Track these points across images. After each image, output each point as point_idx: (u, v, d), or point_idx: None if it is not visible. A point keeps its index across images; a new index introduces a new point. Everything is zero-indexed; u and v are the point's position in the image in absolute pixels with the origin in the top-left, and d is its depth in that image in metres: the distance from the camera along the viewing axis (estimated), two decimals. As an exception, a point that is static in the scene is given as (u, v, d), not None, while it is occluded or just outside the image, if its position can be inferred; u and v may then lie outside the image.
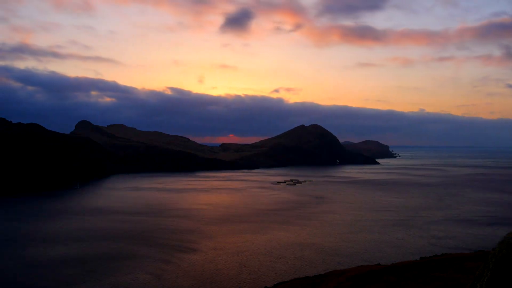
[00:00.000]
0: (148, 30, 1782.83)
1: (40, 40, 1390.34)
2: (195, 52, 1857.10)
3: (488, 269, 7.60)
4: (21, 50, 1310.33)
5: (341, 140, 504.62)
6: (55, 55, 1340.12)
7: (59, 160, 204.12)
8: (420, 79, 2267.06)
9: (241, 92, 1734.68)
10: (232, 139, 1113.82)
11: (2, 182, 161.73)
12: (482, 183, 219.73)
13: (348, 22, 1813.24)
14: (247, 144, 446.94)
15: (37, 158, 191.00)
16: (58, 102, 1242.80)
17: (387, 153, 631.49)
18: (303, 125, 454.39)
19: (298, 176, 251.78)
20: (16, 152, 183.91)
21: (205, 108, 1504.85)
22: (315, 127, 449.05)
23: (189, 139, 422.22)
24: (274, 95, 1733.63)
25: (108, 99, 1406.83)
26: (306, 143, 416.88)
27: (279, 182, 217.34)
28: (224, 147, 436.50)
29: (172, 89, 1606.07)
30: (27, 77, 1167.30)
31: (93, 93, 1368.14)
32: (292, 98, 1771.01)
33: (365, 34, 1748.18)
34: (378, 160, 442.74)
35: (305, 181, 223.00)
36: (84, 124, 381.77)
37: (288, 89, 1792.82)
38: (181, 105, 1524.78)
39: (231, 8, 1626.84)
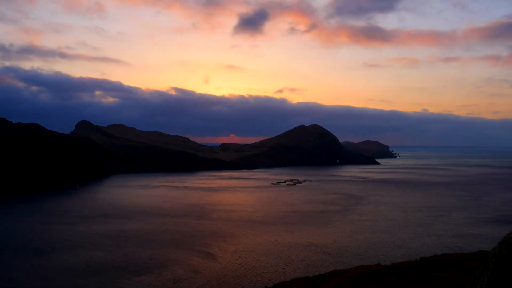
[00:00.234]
0: (157, 32, 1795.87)
1: (49, 41, 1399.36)
2: (202, 53, 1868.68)
3: (488, 269, 7.58)
4: (29, 50, 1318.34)
5: (341, 140, 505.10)
6: (63, 56, 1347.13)
7: (59, 160, 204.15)
8: (425, 80, 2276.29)
9: (245, 93, 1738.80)
10: (233, 139, 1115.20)
11: (2, 182, 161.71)
12: (503, 182, 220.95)
13: (357, 23, 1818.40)
14: (247, 144, 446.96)
15: (37, 158, 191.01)
16: (61, 102, 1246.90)
17: (387, 153, 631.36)
18: (303, 125, 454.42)
19: (298, 176, 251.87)
20: (16, 152, 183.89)
21: (207, 108, 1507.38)
22: (315, 127, 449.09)
23: (189, 139, 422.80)
24: (278, 95, 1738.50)
25: (111, 99, 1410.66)
26: (306, 143, 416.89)
27: (279, 182, 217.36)
28: (224, 147, 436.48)
29: (176, 89, 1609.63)
30: (32, 78, 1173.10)
31: (97, 93, 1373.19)
32: (295, 98, 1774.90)
33: (373, 35, 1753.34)
34: (378, 160, 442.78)
35: (305, 181, 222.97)
36: (84, 124, 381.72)
37: (292, 89, 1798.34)
38: (183, 105, 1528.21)
39: (242, 10, 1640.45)
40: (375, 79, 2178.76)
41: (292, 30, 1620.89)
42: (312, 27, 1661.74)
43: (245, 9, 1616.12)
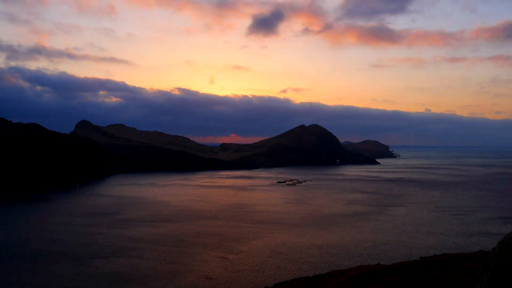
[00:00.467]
0: (166, 33, 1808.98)
1: (57, 42, 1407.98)
2: (210, 54, 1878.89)
3: (488, 269, 7.57)
4: (37, 51, 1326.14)
5: (341, 140, 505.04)
6: (70, 56, 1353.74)
7: (59, 160, 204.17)
8: (429, 80, 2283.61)
9: (249, 93, 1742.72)
10: (234, 139, 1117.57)
11: (2, 182, 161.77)
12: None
13: (366, 24, 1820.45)
14: (247, 144, 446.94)
15: (37, 158, 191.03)
16: (64, 102, 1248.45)
17: (387, 153, 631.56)
18: (303, 125, 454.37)
19: (298, 176, 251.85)
20: (16, 152, 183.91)
21: (209, 108, 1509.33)
22: (315, 127, 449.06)
23: (189, 139, 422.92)
24: (282, 96, 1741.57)
25: (114, 99, 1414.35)
26: (306, 143, 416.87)
27: (279, 182, 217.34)
28: (224, 147, 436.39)
29: (180, 89, 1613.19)
30: (37, 78, 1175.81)
31: (101, 93, 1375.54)
32: (298, 99, 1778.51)
33: (382, 36, 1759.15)
34: (378, 160, 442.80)
35: (305, 181, 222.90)
36: (84, 124, 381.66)
37: (296, 90, 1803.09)
38: (186, 105, 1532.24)
39: (254, 12, 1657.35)
40: (379, 79, 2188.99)
41: (303, 31, 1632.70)
42: (323, 28, 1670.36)
43: (257, 11, 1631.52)
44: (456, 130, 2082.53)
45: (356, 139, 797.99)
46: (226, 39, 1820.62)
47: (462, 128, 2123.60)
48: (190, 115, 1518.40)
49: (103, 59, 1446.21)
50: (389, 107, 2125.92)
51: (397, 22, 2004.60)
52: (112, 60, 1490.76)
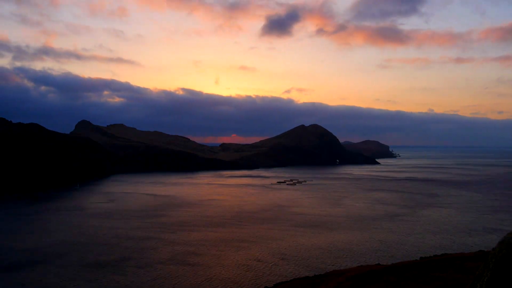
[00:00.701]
0: (176, 34, 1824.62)
1: (66, 43, 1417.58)
2: (217, 55, 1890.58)
3: (488, 269, 7.58)
4: (44, 52, 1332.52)
5: (341, 140, 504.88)
6: (78, 57, 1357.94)
7: (59, 160, 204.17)
8: (434, 80, 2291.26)
9: (253, 93, 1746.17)
10: (234, 139, 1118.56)
11: (2, 182, 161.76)
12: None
13: (376, 25, 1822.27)
14: (247, 144, 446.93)
15: (37, 158, 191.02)
16: (67, 102, 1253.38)
17: (387, 153, 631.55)
18: (303, 125, 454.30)
19: (298, 176, 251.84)
20: (16, 152, 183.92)
21: (211, 109, 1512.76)
22: (315, 127, 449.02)
23: (189, 139, 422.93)
24: (285, 96, 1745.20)
25: (117, 99, 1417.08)
26: (306, 143, 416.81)
27: (279, 182, 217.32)
28: (224, 147, 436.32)
29: (183, 89, 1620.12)
30: (42, 78, 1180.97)
31: (105, 93, 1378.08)
32: (302, 99, 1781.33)
33: (390, 36, 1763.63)
34: (378, 160, 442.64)
35: (305, 181, 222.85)
36: (84, 124, 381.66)
37: (299, 90, 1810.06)
38: (189, 105, 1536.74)
39: (265, 14, 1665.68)
40: (384, 79, 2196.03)
41: (316, 32, 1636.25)
42: (337, 29, 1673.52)
43: (271, 12, 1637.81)
44: (457, 130, 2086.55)
45: (356, 139, 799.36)
46: (236, 40, 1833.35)
47: (463, 128, 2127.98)
48: (191, 115, 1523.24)
49: (110, 60, 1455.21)
50: (392, 107, 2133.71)
51: (409, 23, 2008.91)
52: (119, 60, 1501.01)
